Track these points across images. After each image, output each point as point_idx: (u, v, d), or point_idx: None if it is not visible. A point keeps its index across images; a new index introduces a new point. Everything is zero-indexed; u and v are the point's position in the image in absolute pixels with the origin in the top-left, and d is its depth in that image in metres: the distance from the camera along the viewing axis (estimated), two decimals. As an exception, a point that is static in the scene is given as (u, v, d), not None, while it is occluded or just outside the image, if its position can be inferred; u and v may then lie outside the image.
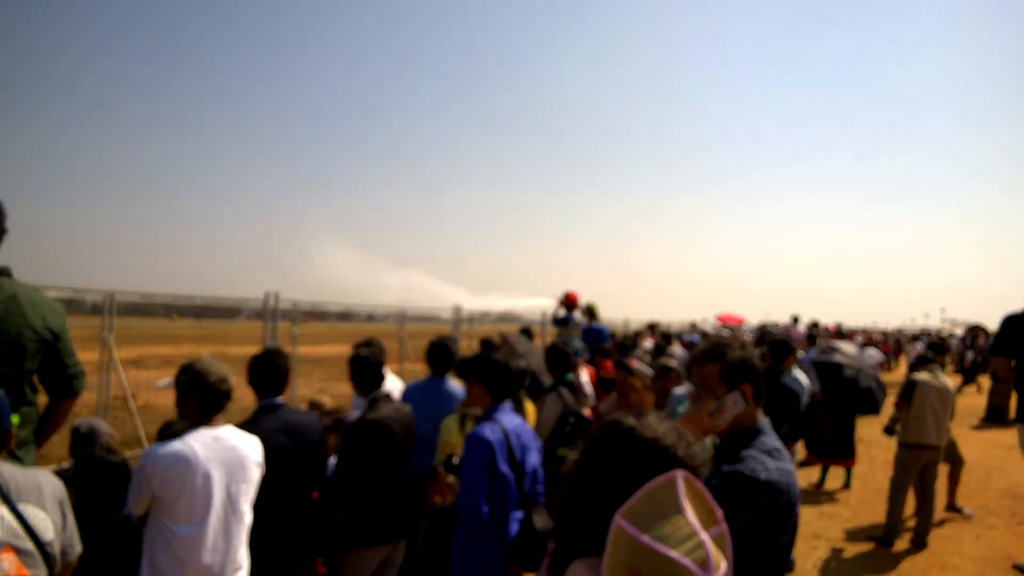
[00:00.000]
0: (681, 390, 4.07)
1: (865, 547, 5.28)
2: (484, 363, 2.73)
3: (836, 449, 7.17)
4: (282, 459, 2.60)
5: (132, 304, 5.60)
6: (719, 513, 1.14)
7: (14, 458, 2.16)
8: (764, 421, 1.77)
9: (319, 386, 11.33)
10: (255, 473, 2.38)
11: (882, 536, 5.35)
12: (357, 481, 2.85)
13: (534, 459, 2.72)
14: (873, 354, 10.58)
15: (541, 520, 2.57)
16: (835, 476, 7.32)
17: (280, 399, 2.78)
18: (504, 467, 2.54)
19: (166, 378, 2.51)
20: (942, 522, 5.80)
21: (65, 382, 2.42)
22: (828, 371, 7.30)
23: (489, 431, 2.56)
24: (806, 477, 7.37)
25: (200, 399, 2.29)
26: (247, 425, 2.57)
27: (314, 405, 3.98)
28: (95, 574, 2.19)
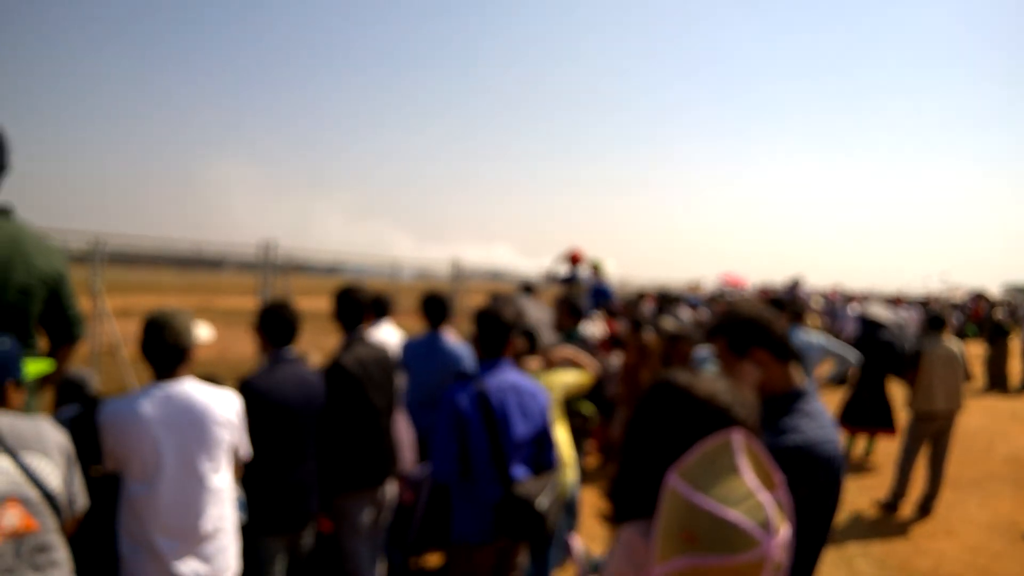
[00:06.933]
0: (704, 351, 3.87)
1: (871, 513, 5.18)
2: (476, 317, 2.60)
3: (875, 417, 6.41)
4: (290, 413, 2.55)
5: (115, 252, 5.40)
6: (777, 477, 1.09)
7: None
8: (804, 381, 1.68)
9: (309, 341, 11.02)
10: (219, 433, 2.18)
11: (888, 501, 5.25)
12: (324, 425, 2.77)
13: (526, 423, 2.50)
14: (906, 316, 10.41)
15: (527, 488, 2.39)
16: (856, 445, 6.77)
17: (292, 351, 2.67)
18: (475, 429, 2.40)
19: (204, 328, 2.32)
20: (945, 490, 5.68)
21: (67, 327, 2.27)
22: (868, 333, 6.62)
23: (460, 391, 2.44)
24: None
25: (154, 354, 2.12)
26: (260, 376, 2.53)
27: None
28: (98, 530, 2.14)
